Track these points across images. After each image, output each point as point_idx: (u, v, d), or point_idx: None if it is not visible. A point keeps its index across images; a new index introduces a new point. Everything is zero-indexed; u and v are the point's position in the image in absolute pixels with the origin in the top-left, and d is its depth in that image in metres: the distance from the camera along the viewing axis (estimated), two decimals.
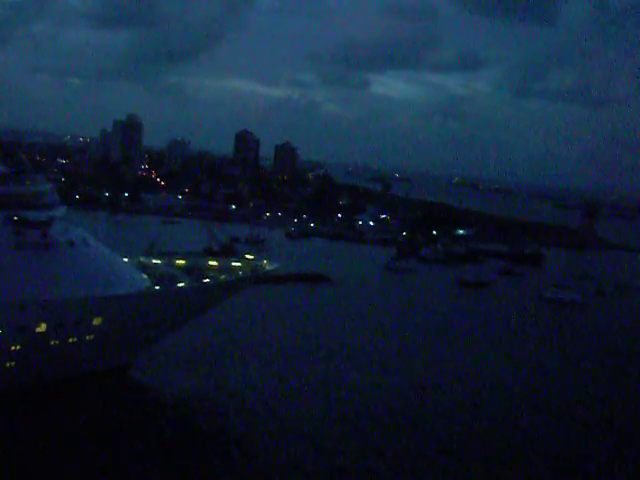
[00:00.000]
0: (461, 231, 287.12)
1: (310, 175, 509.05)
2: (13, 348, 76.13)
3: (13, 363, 76.90)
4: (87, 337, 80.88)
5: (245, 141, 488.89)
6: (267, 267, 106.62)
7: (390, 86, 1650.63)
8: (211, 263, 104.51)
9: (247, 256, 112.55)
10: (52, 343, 78.09)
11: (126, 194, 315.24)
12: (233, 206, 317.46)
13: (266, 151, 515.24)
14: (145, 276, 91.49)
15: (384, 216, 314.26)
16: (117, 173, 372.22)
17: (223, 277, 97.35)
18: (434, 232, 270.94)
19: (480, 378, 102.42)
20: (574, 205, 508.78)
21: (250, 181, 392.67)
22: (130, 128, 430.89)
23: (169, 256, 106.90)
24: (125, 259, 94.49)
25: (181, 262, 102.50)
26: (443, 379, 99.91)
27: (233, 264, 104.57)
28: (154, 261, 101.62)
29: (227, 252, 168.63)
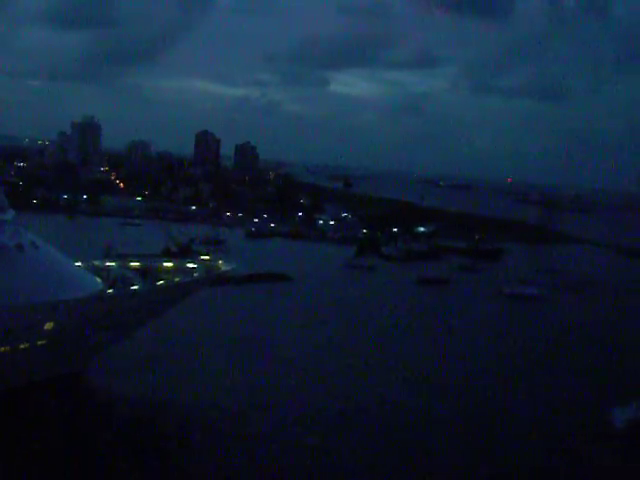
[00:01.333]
0: (422, 228, 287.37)
1: (271, 174, 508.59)
2: None
3: None
4: (39, 343, 79.53)
5: (205, 141, 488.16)
6: (223, 268, 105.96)
7: (349, 84, 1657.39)
8: (166, 265, 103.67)
9: (203, 257, 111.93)
10: (2, 350, 76.67)
11: (85, 196, 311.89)
12: (193, 207, 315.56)
13: (227, 151, 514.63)
14: (98, 279, 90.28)
15: (345, 214, 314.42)
16: (76, 175, 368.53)
17: (178, 279, 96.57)
18: (395, 229, 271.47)
19: (434, 373, 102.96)
20: (534, 200, 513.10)
21: (210, 181, 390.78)
22: (88, 130, 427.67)
23: (124, 258, 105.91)
24: (78, 263, 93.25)
25: (136, 264, 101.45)
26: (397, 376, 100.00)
27: (188, 265, 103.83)
28: (108, 264, 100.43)
29: (186, 253, 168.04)
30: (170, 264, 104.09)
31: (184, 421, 78.56)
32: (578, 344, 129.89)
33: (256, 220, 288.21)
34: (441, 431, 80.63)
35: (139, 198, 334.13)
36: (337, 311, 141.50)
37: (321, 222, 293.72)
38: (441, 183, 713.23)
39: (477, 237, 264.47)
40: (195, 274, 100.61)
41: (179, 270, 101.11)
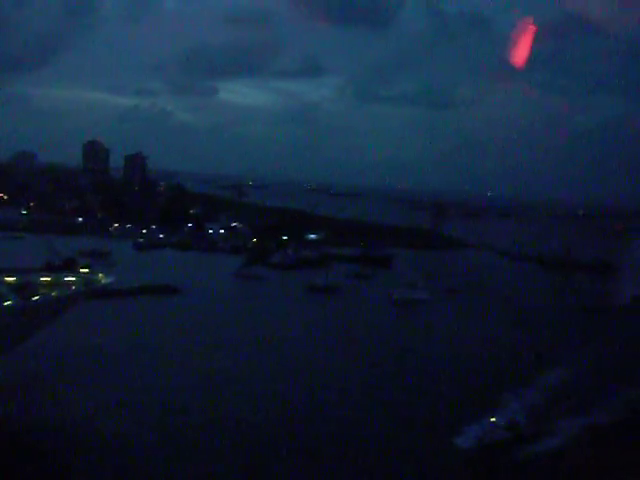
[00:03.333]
0: (312, 236, 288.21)
1: (162, 185, 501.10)
2: None
3: None
4: None
5: (94, 152, 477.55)
6: (103, 280, 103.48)
7: (239, 93, 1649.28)
8: (44, 279, 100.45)
9: (82, 270, 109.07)
10: None
11: None
12: (80, 218, 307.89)
13: (117, 162, 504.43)
14: None
15: (235, 224, 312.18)
16: None
17: (54, 293, 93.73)
18: (285, 238, 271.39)
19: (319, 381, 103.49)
20: (425, 206, 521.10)
21: (99, 192, 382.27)
22: None
23: None
24: None
25: (10, 279, 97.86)
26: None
27: (67, 279, 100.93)
28: None
29: (70, 266, 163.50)
30: (48, 278, 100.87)
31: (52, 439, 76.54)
32: (449, 349, 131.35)
33: (145, 231, 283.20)
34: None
35: (24, 211, 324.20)
36: (224, 323, 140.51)
37: (211, 232, 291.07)
38: (334, 191, 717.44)
39: (362, 243, 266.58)
40: (73, 288, 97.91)
41: (57, 284, 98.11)
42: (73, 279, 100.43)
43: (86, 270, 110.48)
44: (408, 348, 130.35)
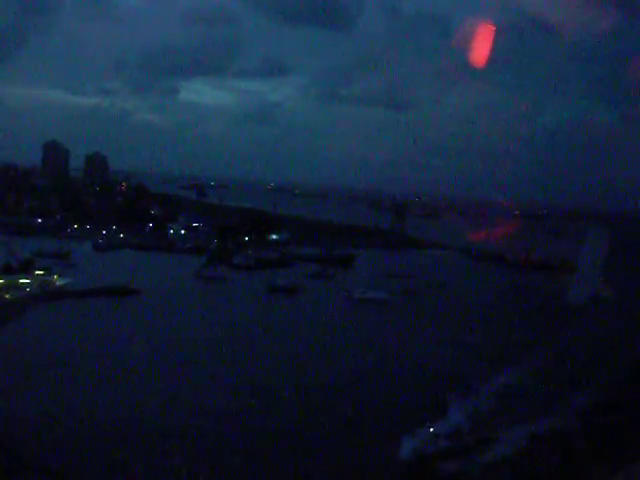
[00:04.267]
0: (274, 236, 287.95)
1: (123, 185, 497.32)
2: None
3: None
4: None
5: (53, 152, 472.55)
6: (58, 282, 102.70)
7: (200, 92, 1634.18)
8: None
9: (37, 272, 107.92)
10: None
11: None
12: (39, 219, 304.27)
13: (77, 162, 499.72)
14: None
15: (196, 224, 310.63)
16: None
17: (8, 296, 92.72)
18: (246, 238, 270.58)
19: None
20: (387, 206, 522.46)
21: (59, 193, 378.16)
22: None
23: None
24: None
25: None
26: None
27: (22, 281, 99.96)
28: None
29: (28, 268, 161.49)
30: (2, 280, 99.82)
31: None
32: (403, 351, 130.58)
33: (105, 232, 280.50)
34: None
35: None
36: (181, 324, 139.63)
37: (171, 232, 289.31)
38: (296, 191, 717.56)
39: (323, 244, 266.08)
40: (28, 290, 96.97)
41: (12, 287, 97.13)
42: (28, 281, 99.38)
43: (41, 272, 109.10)
44: (361, 350, 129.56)
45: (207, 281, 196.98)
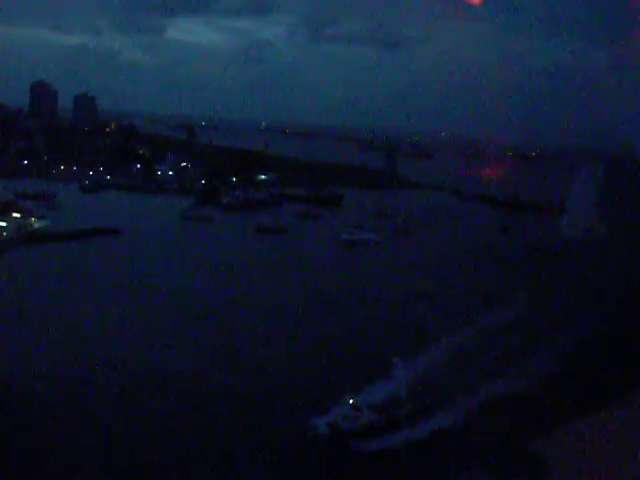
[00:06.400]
0: (263, 176, 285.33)
1: (112, 125, 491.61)
2: None
3: None
4: None
5: (41, 92, 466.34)
6: (35, 225, 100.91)
7: (188, 31, 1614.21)
8: None
9: (14, 214, 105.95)
10: None
11: None
12: (25, 161, 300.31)
13: (66, 103, 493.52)
14: None
15: (185, 164, 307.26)
16: None
17: None
18: (235, 179, 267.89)
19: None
20: (378, 146, 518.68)
21: (47, 134, 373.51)
22: None
23: None
24: None
25: None
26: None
27: None
28: None
29: (10, 210, 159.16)
30: None
31: None
32: (387, 294, 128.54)
33: (92, 173, 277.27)
34: None
35: None
36: (166, 266, 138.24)
37: (160, 173, 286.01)
38: (287, 131, 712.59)
39: (313, 184, 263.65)
40: (5, 234, 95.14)
41: None
42: (4, 225, 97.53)
43: (18, 215, 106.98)
44: (341, 293, 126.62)
45: (194, 222, 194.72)
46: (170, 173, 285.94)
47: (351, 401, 71.16)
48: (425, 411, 71.21)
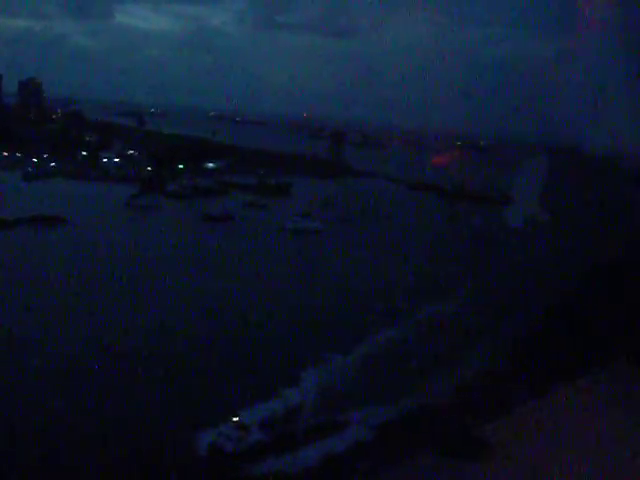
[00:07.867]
0: (211, 164, 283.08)
1: (59, 112, 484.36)
2: None
3: None
4: None
5: None
6: None
7: (137, 16, 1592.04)
8: None
9: None
10: None
11: None
12: None
13: (10, 88, 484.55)
14: None
15: (131, 152, 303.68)
16: None
17: None
18: (181, 166, 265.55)
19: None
20: (326, 135, 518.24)
21: None
22: None
23: None
24: None
25: None
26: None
27: None
28: None
29: None
30: None
31: None
32: (323, 285, 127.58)
33: (36, 160, 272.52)
34: None
35: None
36: (108, 254, 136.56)
37: (105, 160, 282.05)
38: (238, 119, 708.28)
39: (262, 172, 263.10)
40: None
41: None
42: None
43: None
44: (270, 285, 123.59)
45: (138, 210, 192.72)
46: (116, 160, 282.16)
47: (235, 418, 65.12)
48: (331, 427, 64.45)
